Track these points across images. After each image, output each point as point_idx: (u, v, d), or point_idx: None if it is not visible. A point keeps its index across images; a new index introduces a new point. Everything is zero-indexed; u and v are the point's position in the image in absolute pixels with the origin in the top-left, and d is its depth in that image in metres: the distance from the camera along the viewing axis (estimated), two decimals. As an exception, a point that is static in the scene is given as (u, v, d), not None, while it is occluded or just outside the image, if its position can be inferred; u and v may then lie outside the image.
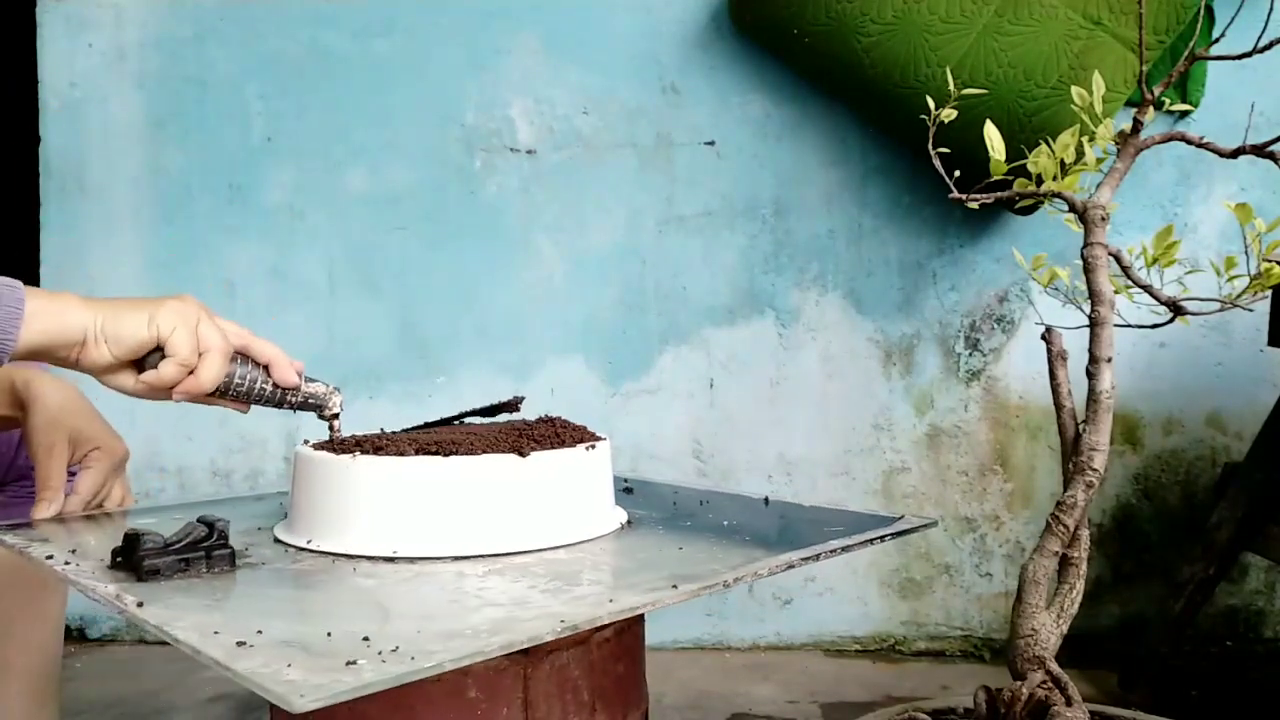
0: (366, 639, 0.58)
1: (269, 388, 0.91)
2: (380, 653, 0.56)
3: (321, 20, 2.01)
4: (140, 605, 0.66)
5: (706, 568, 0.75)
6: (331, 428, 0.95)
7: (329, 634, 0.60)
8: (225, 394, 0.89)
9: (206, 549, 0.76)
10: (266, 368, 0.91)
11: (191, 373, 0.85)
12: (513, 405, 1.07)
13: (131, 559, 0.75)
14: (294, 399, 0.93)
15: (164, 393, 0.85)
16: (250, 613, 0.66)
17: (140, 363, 0.85)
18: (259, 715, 1.66)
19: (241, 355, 0.90)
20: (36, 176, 2.07)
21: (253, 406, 0.92)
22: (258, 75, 2.03)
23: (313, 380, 0.94)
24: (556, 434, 0.90)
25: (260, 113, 2.04)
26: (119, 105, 2.06)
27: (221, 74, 2.04)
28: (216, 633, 0.60)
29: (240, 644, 0.58)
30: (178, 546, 0.75)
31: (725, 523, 0.94)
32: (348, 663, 0.53)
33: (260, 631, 0.60)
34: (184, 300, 0.85)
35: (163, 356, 0.83)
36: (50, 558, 0.79)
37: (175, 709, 1.70)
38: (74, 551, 0.81)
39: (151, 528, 0.76)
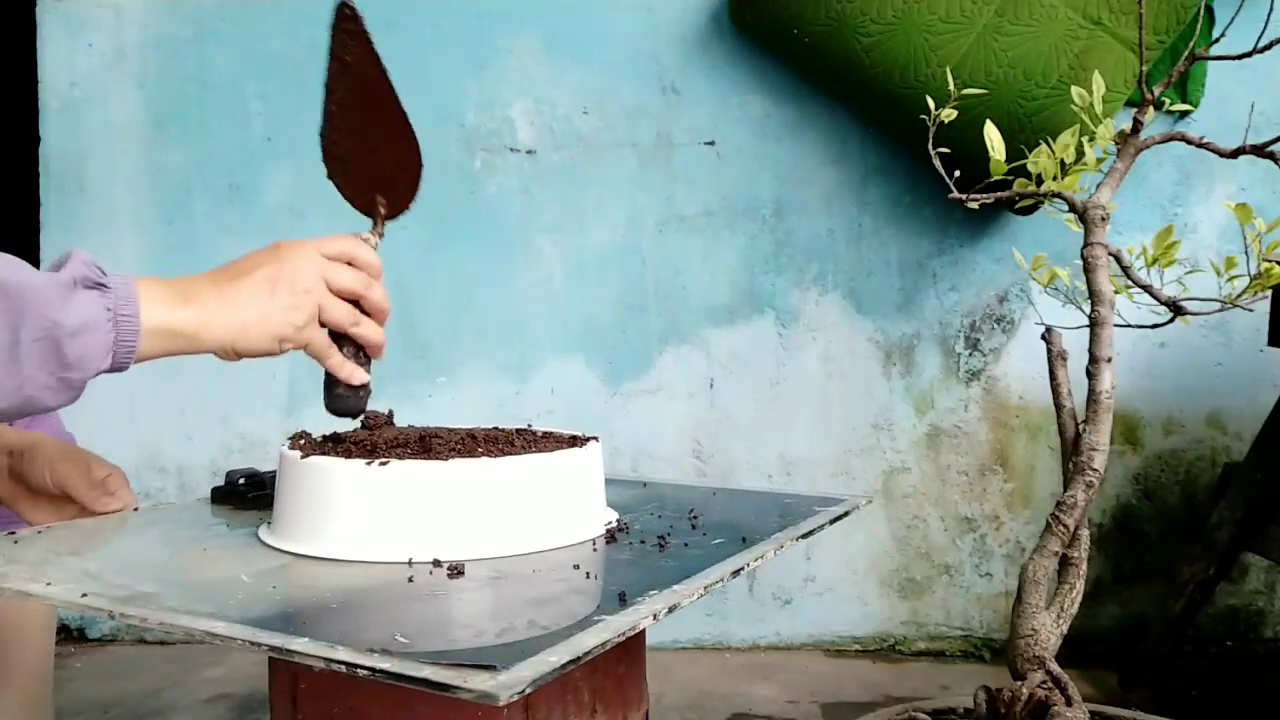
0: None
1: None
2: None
3: (321, 20, 1.98)
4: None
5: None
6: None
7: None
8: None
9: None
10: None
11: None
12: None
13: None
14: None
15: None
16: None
17: None
18: (259, 715, 1.66)
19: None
20: (36, 176, 2.07)
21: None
22: (258, 75, 2.03)
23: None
24: (546, 438, 0.89)
25: (260, 113, 2.04)
26: (119, 105, 2.06)
27: (221, 74, 2.04)
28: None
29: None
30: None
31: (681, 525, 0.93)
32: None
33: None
34: (295, 293, 0.85)
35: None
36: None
37: (174, 709, 1.70)
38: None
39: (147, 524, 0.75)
